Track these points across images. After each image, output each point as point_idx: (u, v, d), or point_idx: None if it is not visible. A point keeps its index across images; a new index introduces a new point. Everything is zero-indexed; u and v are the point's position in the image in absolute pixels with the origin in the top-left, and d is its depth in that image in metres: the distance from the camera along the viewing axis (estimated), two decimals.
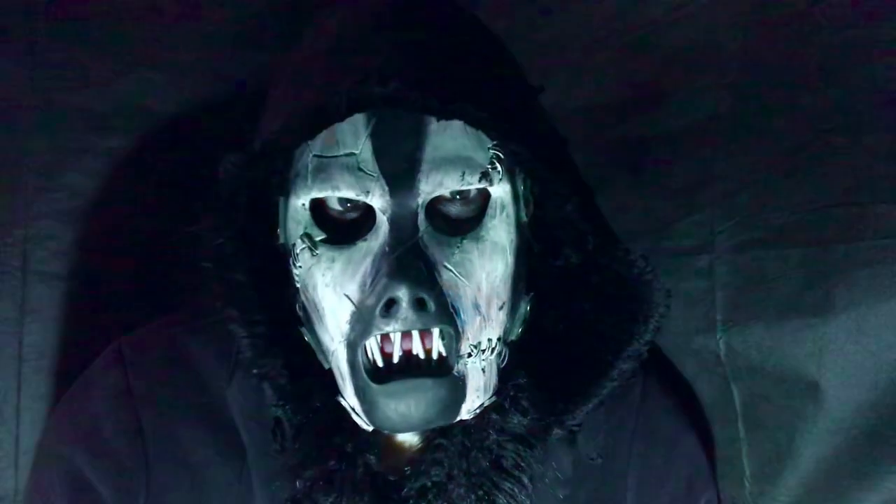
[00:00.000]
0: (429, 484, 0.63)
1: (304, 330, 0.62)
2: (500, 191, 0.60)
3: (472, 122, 0.56)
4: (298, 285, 0.60)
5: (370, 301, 0.56)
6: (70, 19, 0.80)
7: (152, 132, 0.84)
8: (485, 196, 0.60)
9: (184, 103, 0.85)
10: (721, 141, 0.74)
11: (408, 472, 0.64)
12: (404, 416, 0.57)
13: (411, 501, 0.63)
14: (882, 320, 0.61)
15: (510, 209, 0.61)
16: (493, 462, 0.63)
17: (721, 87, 0.75)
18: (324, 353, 0.61)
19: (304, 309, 0.61)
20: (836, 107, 0.66)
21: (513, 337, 0.64)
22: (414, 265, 0.55)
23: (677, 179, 0.78)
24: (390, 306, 0.55)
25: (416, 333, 0.57)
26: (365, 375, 0.58)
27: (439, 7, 0.62)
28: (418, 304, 0.55)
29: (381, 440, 0.65)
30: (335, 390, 0.62)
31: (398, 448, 0.67)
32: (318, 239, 0.58)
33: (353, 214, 0.59)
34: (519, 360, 0.64)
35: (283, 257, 0.62)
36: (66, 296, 0.81)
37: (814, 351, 0.65)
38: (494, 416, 0.63)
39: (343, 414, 0.62)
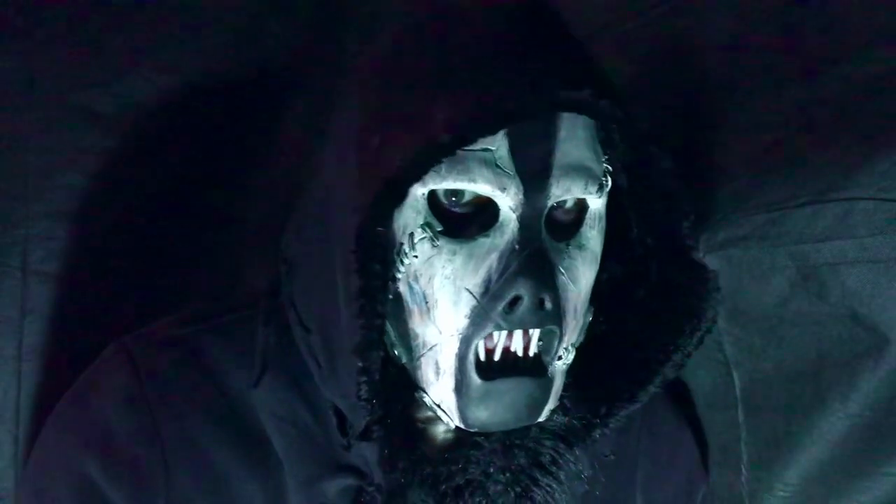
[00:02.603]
0: (462, 482, 0.63)
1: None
2: (599, 203, 0.61)
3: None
4: (399, 276, 0.58)
5: (492, 296, 0.56)
6: (70, 19, 0.80)
7: (152, 132, 0.84)
8: (580, 206, 0.61)
9: (184, 103, 0.84)
10: (702, 137, 0.75)
11: (441, 470, 0.63)
12: (498, 415, 0.58)
13: (448, 498, 0.62)
14: (878, 310, 0.62)
15: (603, 222, 0.63)
16: (532, 459, 0.64)
17: (703, 81, 0.76)
18: (409, 348, 0.60)
19: (397, 300, 0.59)
20: (820, 101, 0.67)
21: (578, 343, 0.64)
22: (541, 266, 0.56)
23: None
24: (514, 304, 0.56)
25: (519, 332, 0.58)
26: (474, 371, 0.58)
27: (557, 16, 0.61)
28: (539, 304, 0.56)
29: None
30: (410, 385, 0.61)
31: (433, 443, 0.66)
32: (438, 230, 0.57)
33: (463, 209, 0.58)
34: None
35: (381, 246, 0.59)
36: (66, 296, 0.81)
37: (813, 340, 0.66)
38: None
39: (417, 410, 0.62)
